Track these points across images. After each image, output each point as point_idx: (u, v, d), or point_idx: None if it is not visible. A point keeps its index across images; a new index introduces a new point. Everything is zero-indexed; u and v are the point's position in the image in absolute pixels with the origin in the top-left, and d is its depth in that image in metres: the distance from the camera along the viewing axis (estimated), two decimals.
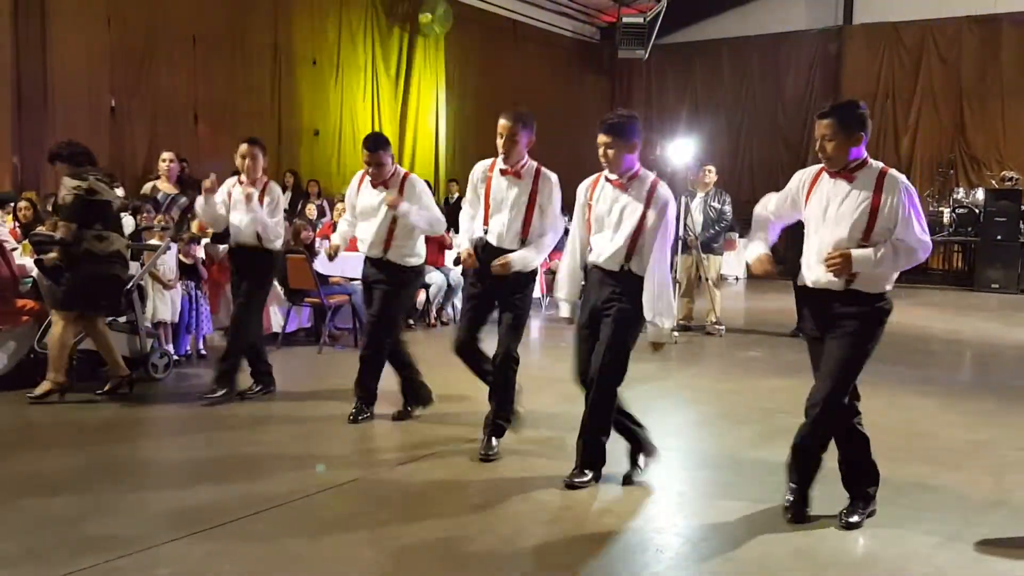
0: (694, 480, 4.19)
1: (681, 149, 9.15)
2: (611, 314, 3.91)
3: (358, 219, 5.12)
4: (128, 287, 5.75)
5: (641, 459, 4.16)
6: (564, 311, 4.25)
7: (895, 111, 16.24)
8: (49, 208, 7.17)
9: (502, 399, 4.45)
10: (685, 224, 8.46)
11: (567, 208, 4.30)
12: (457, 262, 7.07)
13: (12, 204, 7.08)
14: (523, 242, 4.37)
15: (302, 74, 12.47)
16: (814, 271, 3.51)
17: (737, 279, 14.36)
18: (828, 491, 3.67)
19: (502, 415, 4.46)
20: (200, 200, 5.53)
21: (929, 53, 15.95)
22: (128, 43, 10.33)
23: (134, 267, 6.08)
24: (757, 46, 17.24)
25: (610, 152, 3.89)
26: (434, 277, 8.53)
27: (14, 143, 9.12)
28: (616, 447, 4.11)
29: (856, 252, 3.37)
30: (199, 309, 6.71)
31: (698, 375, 6.81)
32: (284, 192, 5.95)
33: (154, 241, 6.40)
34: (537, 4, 15.85)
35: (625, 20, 16.11)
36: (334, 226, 8.86)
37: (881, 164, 3.49)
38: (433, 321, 8.78)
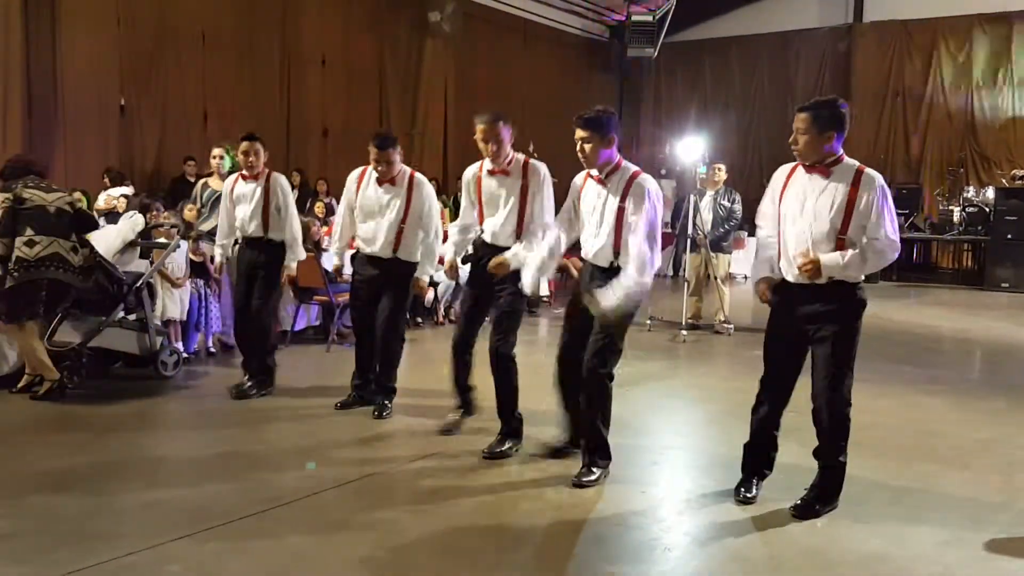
0: (702, 479, 4.18)
1: (690, 147, 9.13)
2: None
3: (358, 218, 5.12)
4: (137, 285, 5.78)
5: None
6: (525, 289, 4.21)
7: (905, 109, 16.17)
8: None
9: (503, 399, 4.45)
10: (694, 222, 8.44)
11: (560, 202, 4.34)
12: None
13: None
14: (518, 237, 4.38)
15: (311, 73, 12.49)
16: (793, 266, 3.58)
17: (746, 278, 14.29)
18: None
19: (506, 414, 4.47)
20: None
21: (939, 51, 15.87)
22: (137, 42, 10.39)
23: (143, 265, 6.11)
24: (767, 44, 17.18)
25: (587, 147, 3.91)
26: (442, 275, 8.52)
27: (24, 142, 9.17)
28: (620, 446, 4.10)
29: (825, 258, 3.48)
30: (208, 307, 6.74)
31: (706, 374, 6.78)
32: (292, 190, 5.93)
33: (163, 239, 6.43)
34: (547, 2, 15.84)
35: (634, 18, 16.08)
36: None
37: (857, 162, 3.56)
38: (441, 319, 8.79)
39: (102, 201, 8.83)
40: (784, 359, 3.72)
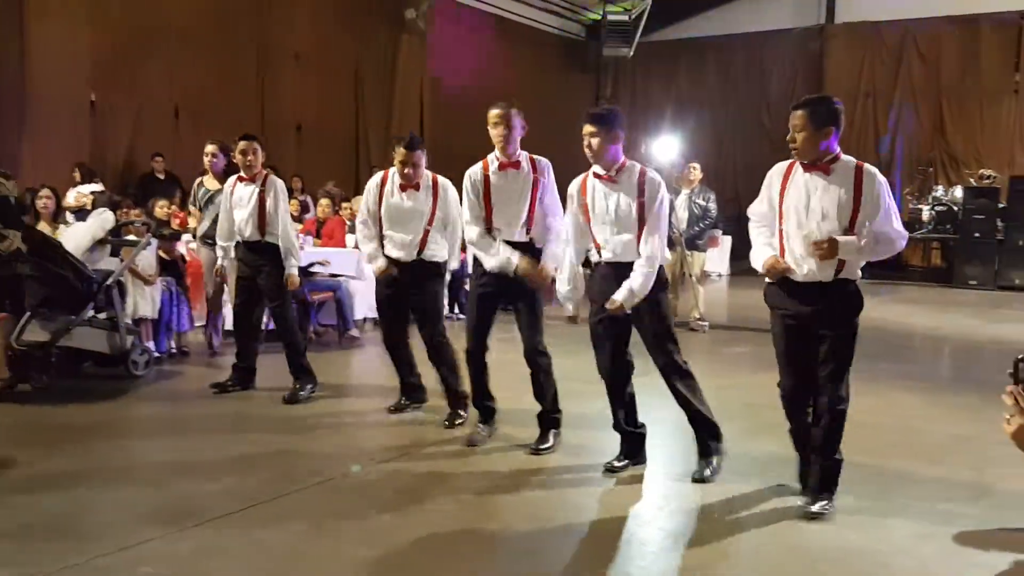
0: (680, 475, 4.19)
1: (666, 146, 9.17)
2: (647, 318, 3.98)
3: (384, 225, 4.95)
4: (107, 283, 5.68)
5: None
6: (568, 309, 4.26)
7: (876, 110, 16.34)
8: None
9: (542, 394, 4.50)
10: (670, 221, 8.46)
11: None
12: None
13: None
14: (528, 232, 4.42)
15: (285, 69, 12.37)
16: (802, 264, 3.55)
17: (720, 276, 14.42)
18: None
19: (547, 408, 4.52)
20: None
21: (910, 52, 16.06)
22: (109, 38, 10.19)
23: (113, 263, 6.01)
24: (741, 44, 17.29)
25: (594, 142, 3.93)
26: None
27: None
28: (597, 441, 4.10)
29: (842, 238, 3.46)
30: (180, 306, 6.64)
31: None
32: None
33: (133, 237, 6.33)
34: (523, 0, 15.83)
35: (610, 18, 16.12)
36: (318, 221, 8.83)
37: (854, 159, 3.57)
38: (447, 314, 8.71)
39: (72, 198, 8.68)
40: (795, 353, 3.66)
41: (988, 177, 14.09)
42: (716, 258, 13.25)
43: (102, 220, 6.22)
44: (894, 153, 16.22)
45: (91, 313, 5.73)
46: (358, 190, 9.27)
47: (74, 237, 6.03)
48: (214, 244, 5.94)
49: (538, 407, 4.53)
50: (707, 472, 4.04)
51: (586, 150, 3.98)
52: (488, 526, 3.50)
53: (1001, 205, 13.49)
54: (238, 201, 5.48)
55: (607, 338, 4.03)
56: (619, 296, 3.89)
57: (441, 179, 5.02)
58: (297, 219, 8.83)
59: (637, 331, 4.05)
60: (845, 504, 3.72)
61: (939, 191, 14.53)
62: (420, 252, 4.91)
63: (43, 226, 6.26)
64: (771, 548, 3.33)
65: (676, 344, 4.07)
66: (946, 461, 4.52)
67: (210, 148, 6.62)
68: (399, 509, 3.64)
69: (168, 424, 5.04)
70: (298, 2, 12.43)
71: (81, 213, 7.81)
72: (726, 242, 13.46)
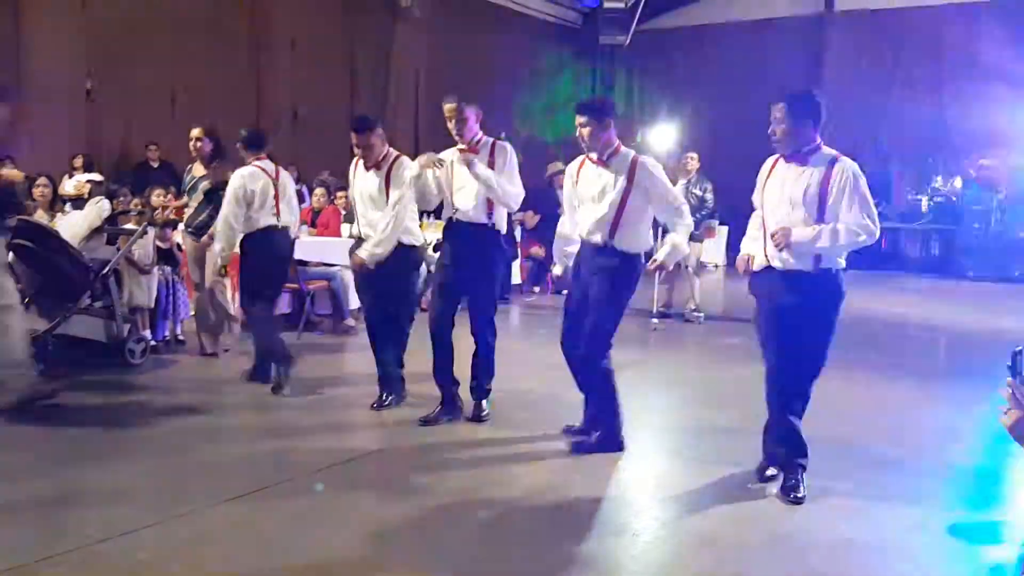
0: (672, 465, 4.21)
1: (662, 136, 9.15)
2: (593, 293, 4.14)
3: (358, 205, 4.98)
4: (104, 272, 5.68)
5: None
6: (555, 270, 4.70)
7: (875, 99, 16.31)
8: None
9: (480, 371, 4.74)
10: None
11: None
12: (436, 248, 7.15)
13: None
14: (490, 215, 4.57)
15: (280, 56, 12.31)
16: (772, 252, 3.66)
17: (717, 266, 14.41)
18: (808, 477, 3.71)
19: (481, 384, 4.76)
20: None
21: (910, 41, 16.02)
22: (104, 25, 10.14)
23: (110, 252, 6.01)
24: (739, 32, 17.20)
25: (585, 131, 4.12)
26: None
27: None
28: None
29: (796, 230, 3.56)
30: (176, 294, 6.64)
31: (677, 362, 6.83)
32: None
33: (130, 225, 6.33)
34: None
35: (607, 5, 16.04)
36: (313, 211, 8.82)
37: (835, 151, 3.63)
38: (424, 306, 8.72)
39: (71, 187, 8.66)
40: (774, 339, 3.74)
41: (987, 168, 14.09)
42: (713, 248, 13.24)
43: (99, 209, 6.22)
44: (893, 143, 16.19)
45: (88, 302, 5.74)
46: None
47: (71, 226, 6.03)
48: (198, 233, 5.92)
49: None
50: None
51: (580, 140, 4.17)
52: (478, 515, 3.52)
53: (1000, 196, 13.50)
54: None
55: (568, 315, 4.30)
56: (661, 255, 4.27)
57: (403, 158, 4.92)
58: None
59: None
60: (834, 495, 3.75)
61: (938, 181, 14.53)
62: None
63: (40, 215, 6.26)
64: (759, 538, 3.35)
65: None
66: (937, 452, 4.54)
67: (195, 132, 6.32)
68: (390, 497, 3.65)
69: (162, 412, 5.04)
70: None
71: (78, 202, 7.80)
72: (723, 232, 13.46)
